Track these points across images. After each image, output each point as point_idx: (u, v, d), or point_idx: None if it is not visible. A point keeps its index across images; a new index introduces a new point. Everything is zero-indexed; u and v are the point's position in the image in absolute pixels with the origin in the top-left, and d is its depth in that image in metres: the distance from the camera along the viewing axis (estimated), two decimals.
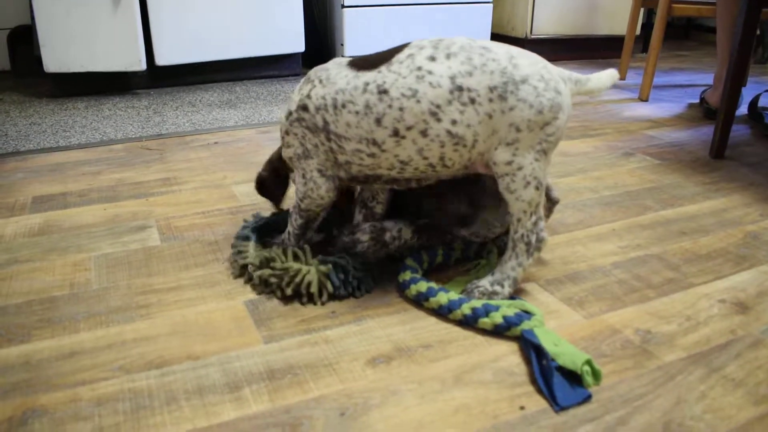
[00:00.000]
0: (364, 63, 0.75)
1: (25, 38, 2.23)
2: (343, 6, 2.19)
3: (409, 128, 0.71)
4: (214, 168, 1.30)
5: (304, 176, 0.80)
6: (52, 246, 0.95)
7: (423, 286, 0.77)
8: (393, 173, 0.76)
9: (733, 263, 0.90)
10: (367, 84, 0.73)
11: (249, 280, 0.83)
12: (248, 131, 1.59)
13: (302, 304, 0.78)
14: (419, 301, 0.77)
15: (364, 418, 0.59)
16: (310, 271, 0.78)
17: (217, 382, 0.64)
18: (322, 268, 0.78)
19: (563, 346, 0.66)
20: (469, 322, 0.73)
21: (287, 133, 0.80)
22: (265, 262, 0.80)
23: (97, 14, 1.81)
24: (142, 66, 1.89)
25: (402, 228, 0.82)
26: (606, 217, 1.06)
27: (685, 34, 3.57)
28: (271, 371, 0.66)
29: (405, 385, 0.64)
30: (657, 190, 1.19)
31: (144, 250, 0.93)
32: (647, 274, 0.87)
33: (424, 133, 0.72)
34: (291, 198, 0.89)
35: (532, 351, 0.67)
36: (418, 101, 0.70)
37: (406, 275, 0.79)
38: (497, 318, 0.71)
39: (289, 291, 0.77)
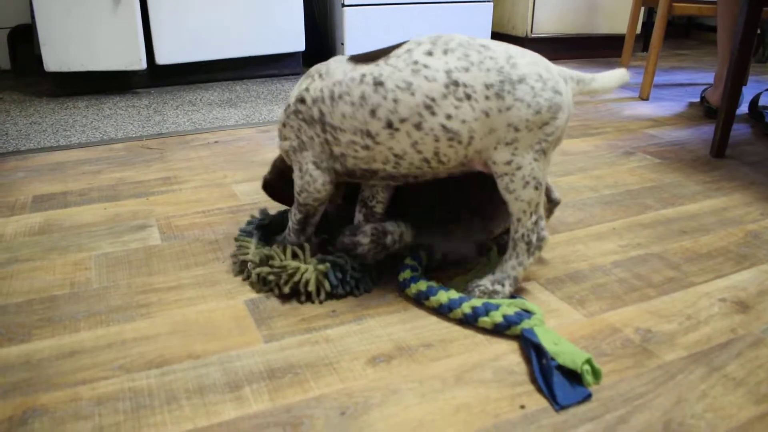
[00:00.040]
0: (363, 58, 0.76)
1: (25, 37, 2.23)
2: (343, 5, 2.19)
3: (402, 120, 0.72)
4: (215, 167, 1.30)
5: (300, 169, 0.80)
6: (52, 245, 0.95)
7: (423, 284, 0.77)
8: (388, 168, 0.76)
9: (733, 262, 0.90)
10: (363, 76, 0.73)
11: (248, 277, 0.83)
12: (249, 130, 1.59)
13: (300, 302, 0.78)
14: (419, 300, 0.77)
15: (364, 417, 0.59)
16: (308, 270, 0.78)
17: (218, 382, 0.64)
18: (320, 267, 0.78)
19: (563, 345, 0.66)
20: (469, 321, 0.73)
21: (284, 125, 0.81)
22: (264, 260, 0.80)
23: (97, 13, 1.81)
24: (143, 65, 1.89)
25: (403, 231, 0.82)
26: (606, 216, 1.06)
27: (686, 33, 3.56)
28: (272, 370, 0.66)
29: (405, 384, 0.64)
30: (657, 189, 1.19)
31: (144, 250, 0.93)
32: (648, 273, 0.87)
33: (418, 127, 0.72)
34: None
35: (532, 350, 0.67)
36: (413, 94, 0.71)
37: (406, 274, 0.79)
38: (497, 317, 0.71)
39: (286, 289, 0.77)
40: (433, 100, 0.70)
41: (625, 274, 0.87)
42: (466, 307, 0.73)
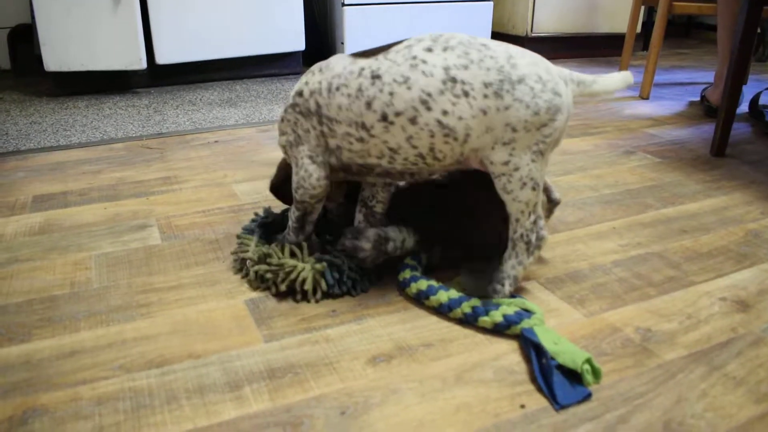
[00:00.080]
0: (363, 53, 0.76)
1: (25, 37, 2.23)
2: (343, 4, 2.19)
3: (397, 114, 0.72)
4: (215, 167, 1.30)
5: (296, 164, 0.81)
6: (52, 245, 0.95)
7: (423, 284, 0.77)
8: (384, 163, 0.76)
9: (734, 261, 0.90)
10: (362, 69, 0.74)
11: (246, 275, 0.83)
12: (249, 130, 1.59)
13: (296, 301, 0.78)
14: (419, 300, 0.77)
15: (364, 417, 0.59)
16: (305, 269, 0.78)
17: (218, 381, 0.64)
18: (317, 266, 0.78)
19: (563, 344, 0.66)
20: (469, 321, 0.73)
21: (282, 120, 0.82)
22: (263, 258, 0.81)
23: (97, 13, 1.81)
24: (143, 65, 1.89)
25: (405, 238, 0.82)
26: (606, 216, 1.06)
27: (686, 32, 3.56)
28: (272, 370, 0.66)
29: (405, 384, 0.64)
30: (658, 188, 1.19)
31: (144, 249, 0.93)
32: (648, 273, 0.87)
33: (413, 121, 0.72)
34: None
35: (532, 349, 0.67)
36: (409, 88, 0.71)
37: (406, 274, 0.79)
38: (497, 316, 0.71)
39: (283, 287, 0.78)
40: (429, 95, 0.70)
41: (625, 273, 0.87)
42: (466, 307, 0.73)
